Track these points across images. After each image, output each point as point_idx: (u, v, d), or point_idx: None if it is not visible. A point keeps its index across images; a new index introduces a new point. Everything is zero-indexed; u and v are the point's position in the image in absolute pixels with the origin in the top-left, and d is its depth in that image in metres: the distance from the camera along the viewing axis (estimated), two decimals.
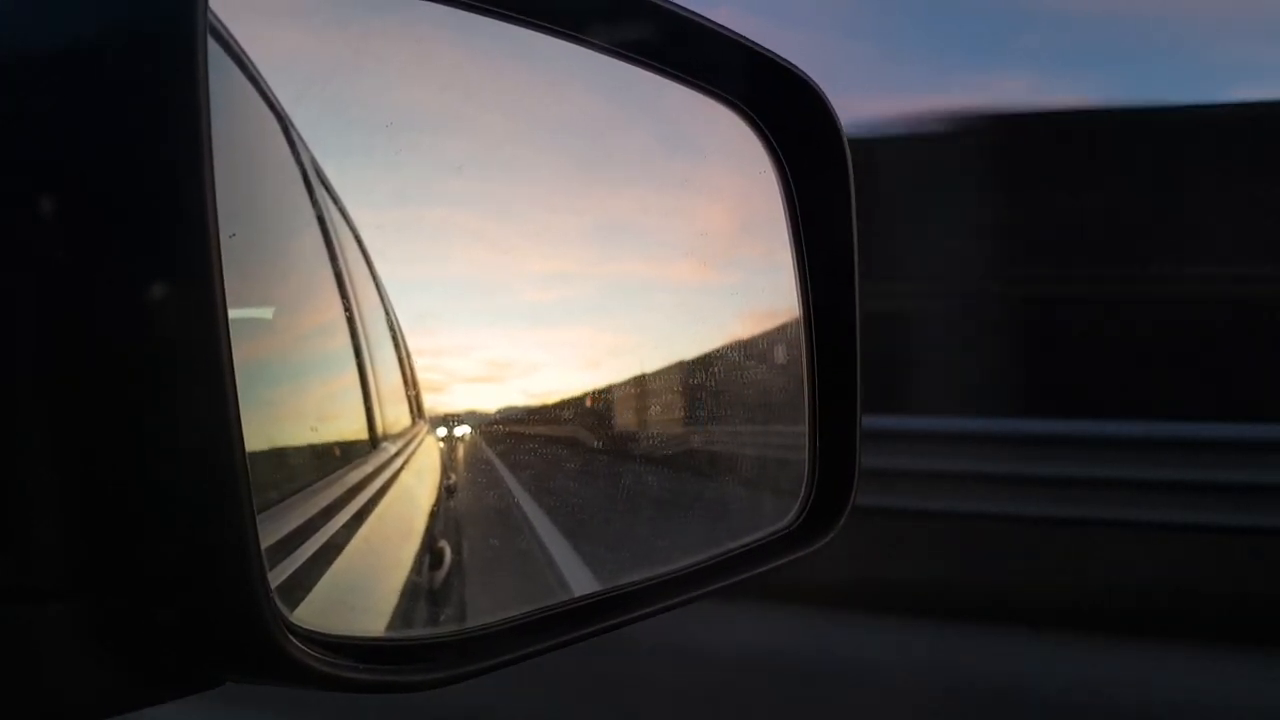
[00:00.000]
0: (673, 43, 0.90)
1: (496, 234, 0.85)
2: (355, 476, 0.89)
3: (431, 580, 0.86)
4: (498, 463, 0.84)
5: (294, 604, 0.59)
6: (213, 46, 0.51)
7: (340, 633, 0.61)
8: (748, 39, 0.92)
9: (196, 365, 0.47)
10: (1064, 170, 7.21)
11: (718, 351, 1.10)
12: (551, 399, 0.90)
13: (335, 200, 0.86)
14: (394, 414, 0.94)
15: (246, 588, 0.49)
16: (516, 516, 0.86)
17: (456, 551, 0.88)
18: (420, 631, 0.80)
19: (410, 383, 0.86)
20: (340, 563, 0.78)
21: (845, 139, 1.00)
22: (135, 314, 0.47)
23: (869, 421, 1.01)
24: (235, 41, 0.66)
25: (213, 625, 0.52)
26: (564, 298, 0.91)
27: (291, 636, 0.53)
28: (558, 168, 0.94)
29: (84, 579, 0.49)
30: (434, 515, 0.91)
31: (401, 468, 0.94)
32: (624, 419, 0.98)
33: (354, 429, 0.92)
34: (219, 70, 0.55)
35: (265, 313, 0.73)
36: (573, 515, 0.96)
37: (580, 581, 0.91)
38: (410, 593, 0.83)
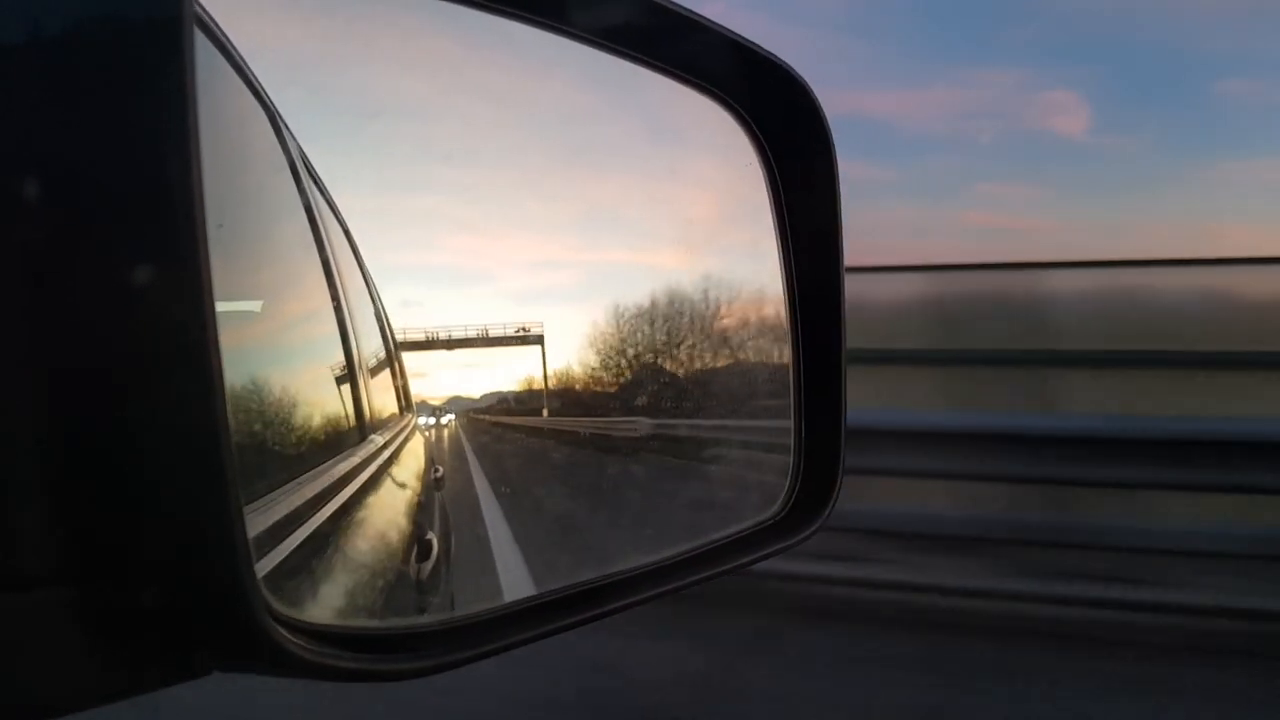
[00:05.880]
0: (655, 35, 0.90)
1: (483, 222, 0.85)
2: (344, 467, 0.89)
3: (419, 571, 0.86)
4: (476, 455, 0.85)
5: (281, 593, 0.59)
6: (199, 36, 0.51)
7: (327, 622, 0.61)
8: (730, 31, 0.91)
9: (185, 354, 0.47)
10: None
11: (703, 340, 1.10)
12: (536, 386, 0.90)
13: (322, 189, 0.86)
14: (381, 404, 0.94)
15: (233, 576, 0.49)
16: (485, 510, 0.87)
17: (444, 542, 0.89)
18: (407, 620, 0.80)
19: (398, 373, 0.87)
20: (328, 553, 0.78)
21: (830, 132, 1.00)
22: (123, 304, 0.47)
23: None
24: (221, 31, 0.66)
25: (199, 614, 0.52)
26: (550, 285, 0.91)
27: (278, 625, 0.53)
28: (544, 157, 0.94)
29: (69, 566, 0.49)
30: (421, 506, 0.91)
31: (389, 459, 0.94)
32: (610, 407, 0.98)
33: (342, 419, 0.92)
34: (205, 59, 0.55)
35: (254, 305, 0.73)
36: (556, 506, 0.97)
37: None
38: (397, 582, 0.83)
